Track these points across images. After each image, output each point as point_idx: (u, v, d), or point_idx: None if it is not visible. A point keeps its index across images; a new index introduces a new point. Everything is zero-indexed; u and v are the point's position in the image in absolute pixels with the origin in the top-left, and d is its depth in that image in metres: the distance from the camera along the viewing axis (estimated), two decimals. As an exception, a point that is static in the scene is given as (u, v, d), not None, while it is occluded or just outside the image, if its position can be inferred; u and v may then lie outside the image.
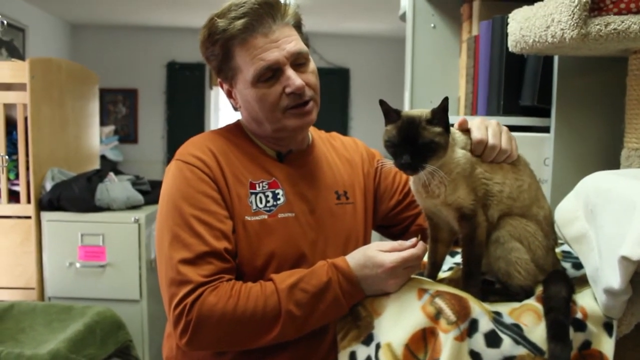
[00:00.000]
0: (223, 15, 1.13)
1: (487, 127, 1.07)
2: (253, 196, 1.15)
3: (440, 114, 0.98)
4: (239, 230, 1.12)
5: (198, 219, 1.08)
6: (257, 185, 1.16)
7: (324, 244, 1.20)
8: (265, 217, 1.15)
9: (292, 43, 1.14)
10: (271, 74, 1.13)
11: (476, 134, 1.05)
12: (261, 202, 1.15)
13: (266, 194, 1.16)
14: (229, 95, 1.23)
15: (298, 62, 1.16)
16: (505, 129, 1.10)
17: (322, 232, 1.20)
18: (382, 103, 1.01)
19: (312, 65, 1.19)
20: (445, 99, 0.98)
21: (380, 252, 1.03)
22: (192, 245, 1.06)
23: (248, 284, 1.06)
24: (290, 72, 1.13)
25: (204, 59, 1.20)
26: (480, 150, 1.05)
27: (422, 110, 1.01)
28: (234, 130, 1.25)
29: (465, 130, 1.07)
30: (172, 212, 1.10)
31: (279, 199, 1.17)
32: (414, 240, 1.05)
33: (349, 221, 1.26)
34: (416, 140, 0.96)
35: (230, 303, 1.02)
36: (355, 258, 1.06)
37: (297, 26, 1.20)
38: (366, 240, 1.30)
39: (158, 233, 1.13)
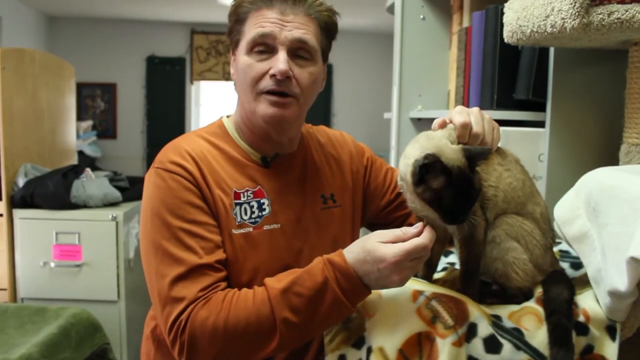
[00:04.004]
0: None
1: (469, 114, 1.02)
2: (238, 207, 1.08)
3: (475, 162, 0.93)
4: (226, 244, 1.05)
5: (188, 232, 1.01)
6: (241, 195, 1.09)
7: (310, 252, 1.12)
8: (250, 229, 1.08)
9: (302, 31, 1.06)
10: (264, 47, 1.06)
11: (459, 118, 1.00)
12: (246, 214, 1.08)
13: (251, 204, 1.09)
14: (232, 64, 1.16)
15: (299, 53, 1.07)
16: (487, 116, 1.05)
17: (307, 241, 1.14)
18: (426, 160, 0.90)
19: (314, 69, 1.10)
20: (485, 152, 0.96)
21: (381, 244, 0.92)
22: (184, 260, 0.98)
23: (240, 293, 0.98)
24: (282, 55, 1.05)
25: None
26: (466, 135, 1.00)
27: (454, 150, 0.93)
28: (217, 133, 1.16)
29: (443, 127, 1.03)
30: (159, 226, 1.01)
31: (264, 209, 1.10)
32: (419, 226, 0.93)
33: (335, 226, 1.20)
34: (470, 200, 0.92)
35: (221, 316, 0.94)
36: (353, 252, 0.96)
37: (324, 28, 1.12)
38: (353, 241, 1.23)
39: (144, 249, 1.04)
